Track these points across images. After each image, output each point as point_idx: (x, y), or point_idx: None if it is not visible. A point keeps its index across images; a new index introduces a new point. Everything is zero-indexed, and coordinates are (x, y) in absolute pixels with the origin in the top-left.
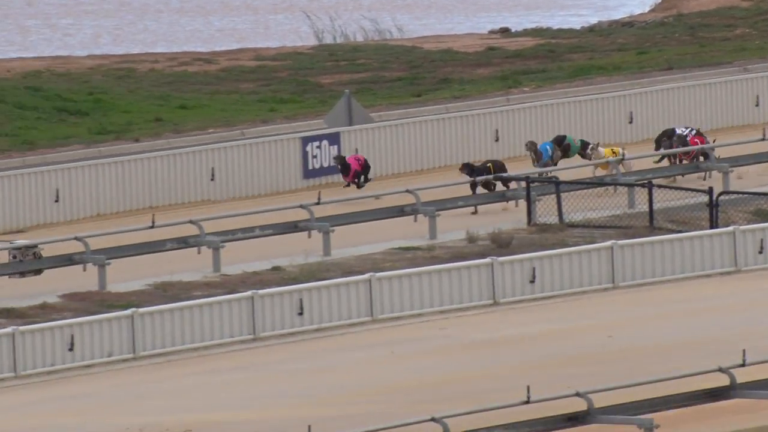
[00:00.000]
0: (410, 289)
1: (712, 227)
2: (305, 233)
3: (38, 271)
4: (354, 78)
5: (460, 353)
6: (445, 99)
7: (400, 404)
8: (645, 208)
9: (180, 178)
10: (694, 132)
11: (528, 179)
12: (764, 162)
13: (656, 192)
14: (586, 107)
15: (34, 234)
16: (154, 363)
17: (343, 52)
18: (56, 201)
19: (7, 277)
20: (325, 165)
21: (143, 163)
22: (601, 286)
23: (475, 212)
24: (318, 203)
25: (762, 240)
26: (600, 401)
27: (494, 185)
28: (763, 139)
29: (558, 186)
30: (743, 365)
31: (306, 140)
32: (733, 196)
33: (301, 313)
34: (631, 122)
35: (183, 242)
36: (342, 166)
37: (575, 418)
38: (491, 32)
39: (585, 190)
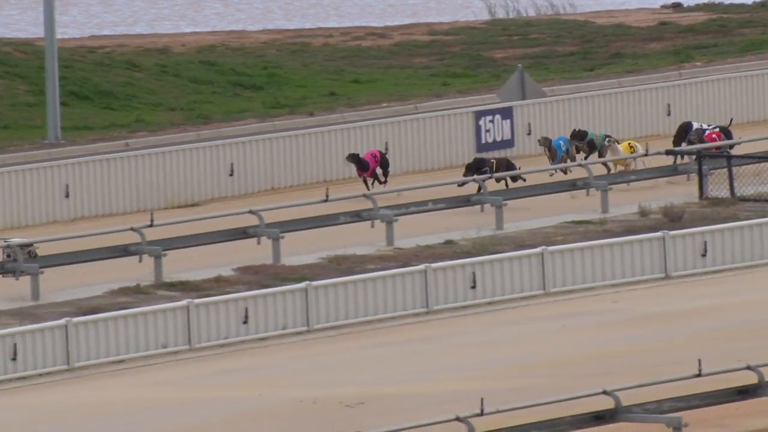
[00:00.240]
0: (582, 263)
1: None
2: (478, 207)
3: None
4: (527, 52)
5: (631, 327)
6: (617, 73)
7: (571, 377)
8: None
9: (354, 151)
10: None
11: (700, 154)
12: None
13: None
14: (759, 81)
15: (209, 207)
16: (327, 336)
17: (515, 26)
18: (231, 175)
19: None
20: (498, 139)
21: (317, 137)
22: None
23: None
24: (491, 177)
25: None
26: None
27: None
28: None
29: (730, 160)
30: None
31: (479, 114)
32: None
33: (473, 287)
34: None
35: (356, 216)
36: (359, 164)
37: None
38: (663, 7)
39: (756, 165)
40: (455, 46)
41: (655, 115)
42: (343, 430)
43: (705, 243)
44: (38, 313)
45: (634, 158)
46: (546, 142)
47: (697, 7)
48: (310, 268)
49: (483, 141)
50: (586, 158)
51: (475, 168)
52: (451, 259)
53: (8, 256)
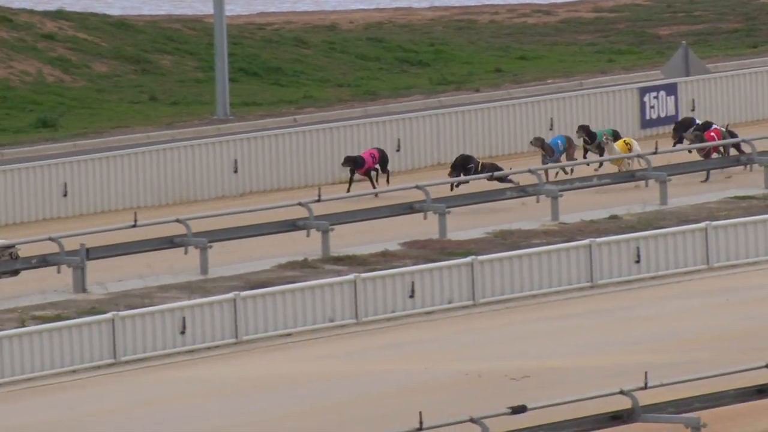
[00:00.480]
0: (746, 238)
1: None
2: (642, 183)
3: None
4: (691, 29)
5: None
6: None
7: (735, 351)
8: None
9: (519, 127)
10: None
11: None
12: None
13: None
14: None
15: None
16: (492, 310)
17: (680, 3)
18: (397, 150)
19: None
20: (662, 115)
21: (483, 113)
22: None
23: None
24: (655, 152)
25: None
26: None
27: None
28: None
29: None
30: None
31: (643, 90)
32: None
33: (638, 261)
34: None
35: (522, 191)
36: (354, 164)
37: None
38: None
39: None
40: (620, 23)
41: None
42: (508, 403)
43: None
44: (207, 287)
45: (630, 157)
46: (538, 143)
47: None
48: (475, 242)
49: (647, 117)
50: (601, 155)
51: (461, 166)
52: (616, 233)
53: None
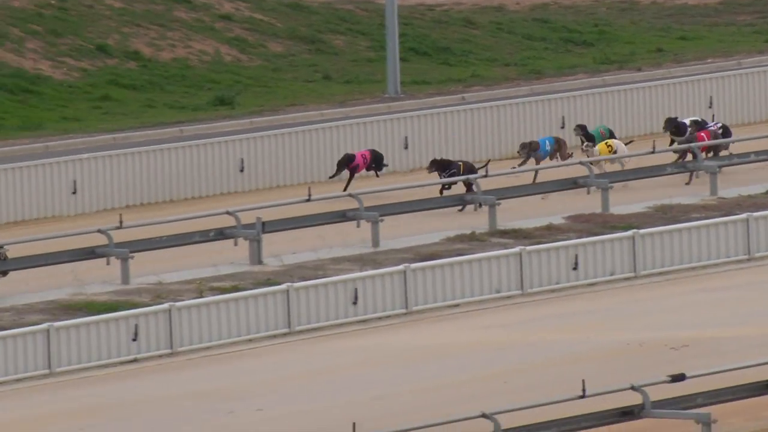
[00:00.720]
0: None
1: None
2: None
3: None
4: None
5: None
6: None
7: None
8: None
9: (679, 105)
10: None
11: None
12: None
13: None
14: None
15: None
16: (653, 282)
17: None
18: (562, 127)
19: None
20: None
21: (644, 92)
22: None
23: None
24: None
25: None
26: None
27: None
28: None
29: None
30: None
31: None
32: None
33: None
34: None
35: (681, 167)
36: (344, 163)
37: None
38: None
39: None
40: None
41: None
42: (667, 372)
43: None
44: (378, 259)
45: (611, 159)
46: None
47: None
48: (637, 216)
49: None
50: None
51: (440, 169)
52: None
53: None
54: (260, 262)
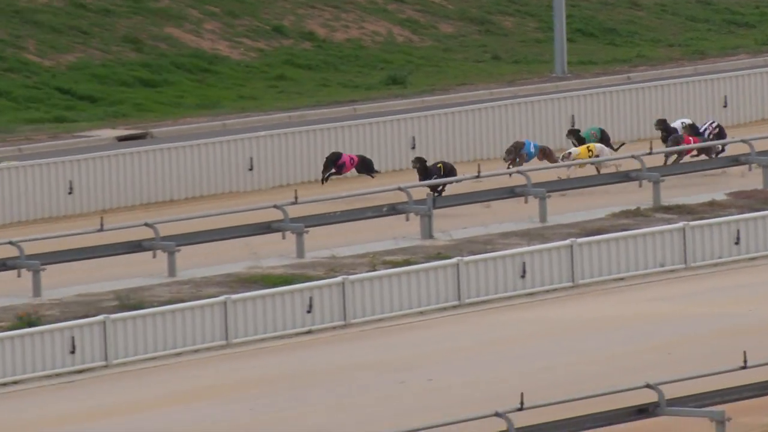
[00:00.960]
0: None
1: None
2: None
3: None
4: None
5: None
6: None
7: None
8: None
9: None
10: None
11: None
12: None
13: None
14: None
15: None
16: None
17: None
18: (724, 106)
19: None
20: None
21: None
22: None
23: None
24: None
25: None
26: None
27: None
28: None
29: None
30: None
31: None
32: None
33: None
34: None
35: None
36: (331, 161)
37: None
38: None
39: None
40: None
41: None
42: None
43: None
44: (545, 234)
45: (593, 162)
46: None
47: None
48: None
49: None
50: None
51: (424, 174)
52: None
53: None
54: (431, 237)
